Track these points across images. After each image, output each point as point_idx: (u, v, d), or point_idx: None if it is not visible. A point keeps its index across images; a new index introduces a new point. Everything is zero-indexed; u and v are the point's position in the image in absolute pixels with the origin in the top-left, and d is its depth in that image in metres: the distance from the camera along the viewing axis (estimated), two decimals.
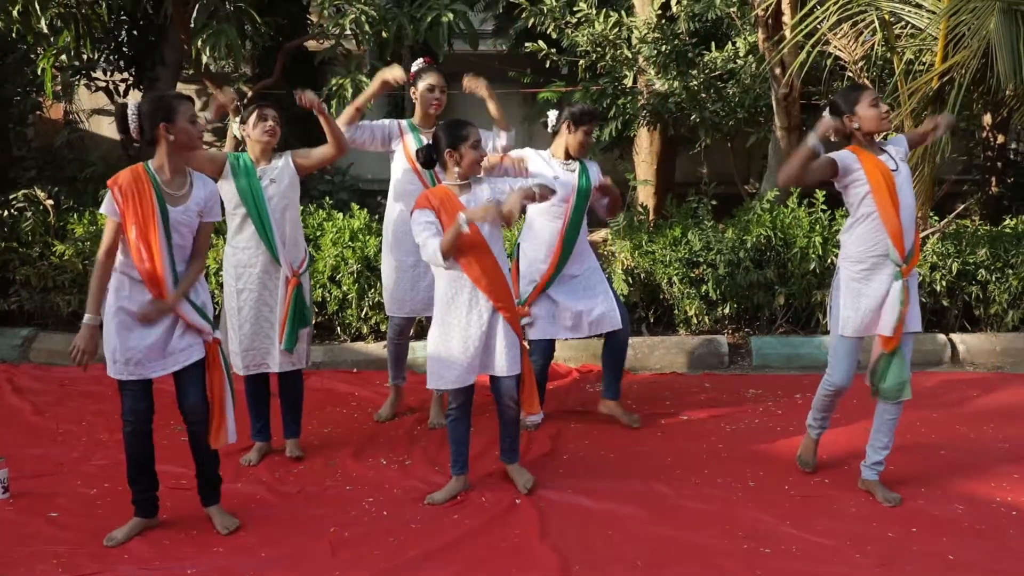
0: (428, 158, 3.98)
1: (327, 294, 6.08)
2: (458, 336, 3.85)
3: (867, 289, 3.79)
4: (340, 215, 6.46)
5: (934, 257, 6.00)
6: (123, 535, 3.64)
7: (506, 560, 3.46)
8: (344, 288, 6.05)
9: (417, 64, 4.90)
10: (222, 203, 4.15)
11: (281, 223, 4.33)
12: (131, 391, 3.58)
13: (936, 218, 6.39)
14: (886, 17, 5.83)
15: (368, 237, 6.13)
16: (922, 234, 6.08)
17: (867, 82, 6.36)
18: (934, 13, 5.68)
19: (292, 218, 4.40)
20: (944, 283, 5.96)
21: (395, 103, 11.07)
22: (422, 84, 4.78)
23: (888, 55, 6.20)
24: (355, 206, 6.59)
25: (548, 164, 4.62)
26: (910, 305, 3.80)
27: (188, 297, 3.58)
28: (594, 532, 3.67)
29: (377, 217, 6.83)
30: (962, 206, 7.62)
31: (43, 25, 6.76)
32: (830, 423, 4.15)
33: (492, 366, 3.90)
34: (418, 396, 5.28)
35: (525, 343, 4.08)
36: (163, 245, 3.49)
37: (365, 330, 6.14)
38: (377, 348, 6.04)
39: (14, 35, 7.06)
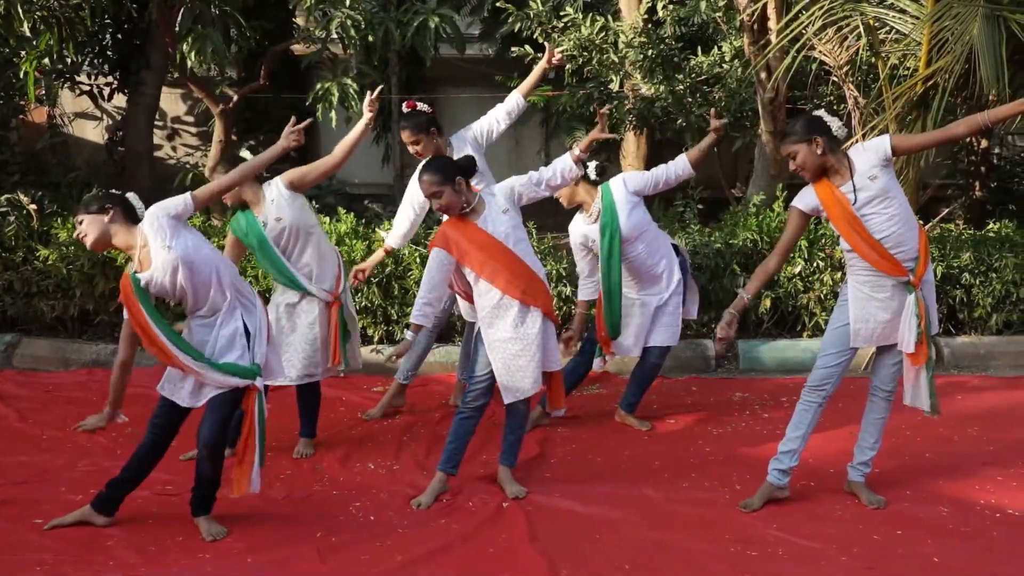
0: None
1: None
2: (520, 346, 3.90)
3: (875, 300, 3.70)
4: (327, 219, 6.44)
5: None
6: (71, 520, 3.74)
7: (494, 564, 3.45)
8: None
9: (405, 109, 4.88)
10: None
11: (299, 259, 4.38)
12: (160, 402, 3.69)
13: (920, 222, 6.42)
14: (871, 22, 5.87)
15: (355, 241, 6.11)
16: None
17: (852, 87, 6.40)
18: (918, 18, 5.72)
19: (315, 245, 4.42)
20: None
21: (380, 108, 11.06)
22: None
23: (873, 60, 6.24)
24: (342, 210, 6.57)
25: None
26: (929, 312, 3.73)
27: (213, 360, 3.56)
28: (582, 536, 3.67)
29: (364, 221, 6.82)
30: (946, 210, 7.69)
31: (25, 28, 6.72)
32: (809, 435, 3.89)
33: (548, 364, 4.00)
34: (407, 401, 5.27)
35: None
36: (150, 318, 3.51)
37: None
38: (364, 352, 6.00)
39: None
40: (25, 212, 6.46)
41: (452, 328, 5.89)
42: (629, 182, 4.65)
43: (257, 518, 3.87)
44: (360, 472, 4.37)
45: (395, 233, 4.91)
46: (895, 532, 3.65)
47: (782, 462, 3.87)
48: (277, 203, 4.32)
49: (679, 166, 4.61)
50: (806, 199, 3.74)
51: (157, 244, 3.48)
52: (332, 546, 3.61)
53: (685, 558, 3.48)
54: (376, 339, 6.09)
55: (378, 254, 5.00)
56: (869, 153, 3.64)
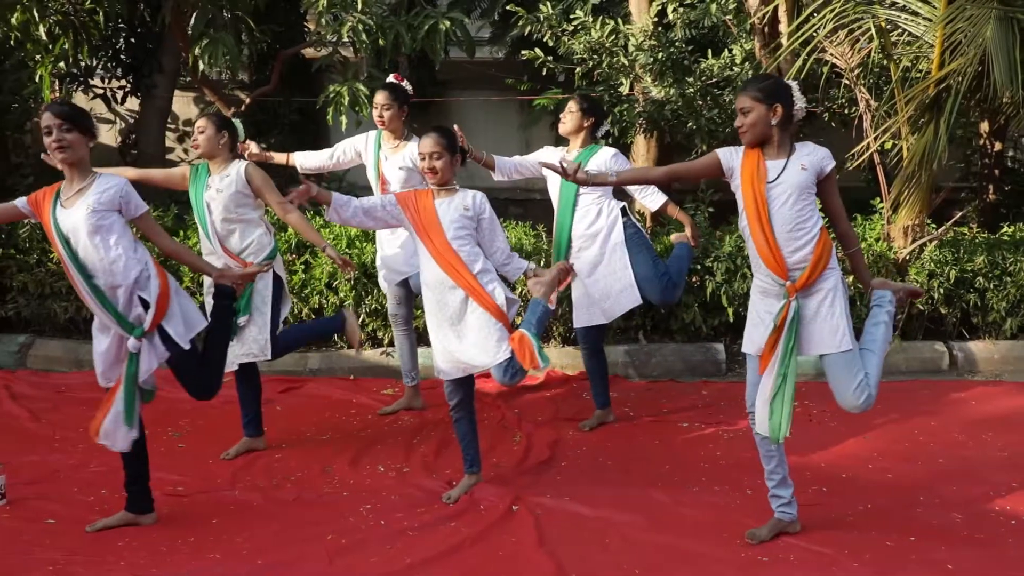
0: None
1: (324, 301, 6.07)
2: (434, 324, 3.99)
3: (762, 303, 3.53)
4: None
5: (932, 264, 6.01)
6: (115, 523, 3.77)
7: (503, 568, 3.45)
8: (341, 295, 6.04)
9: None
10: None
11: (226, 236, 4.39)
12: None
13: (934, 225, 6.39)
14: (882, 24, 5.84)
15: (365, 244, 6.12)
16: (919, 241, 6.08)
17: (864, 90, 6.38)
18: (930, 21, 5.69)
19: (240, 233, 4.40)
20: (942, 291, 5.96)
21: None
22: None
23: (885, 63, 6.20)
24: None
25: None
26: (813, 324, 3.43)
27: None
28: (591, 540, 3.66)
29: None
30: (960, 213, 7.63)
31: (42, 32, 6.76)
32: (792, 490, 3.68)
33: (472, 361, 3.89)
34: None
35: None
36: (63, 251, 3.62)
37: (362, 337, 6.13)
38: (374, 355, 6.03)
39: (12, 42, 7.07)
40: None
41: None
42: (616, 160, 4.75)
43: (267, 519, 3.88)
44: (370, 474, 4.37)
45: (307, 154, 5.20)
46: (908, 538, 3.62)
47: (781, 496, 3.64)
48: (230, 180, 4.38)
49: (644, 196, 4.93)
50: (731, 156, 3.55)
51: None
52: (341, 548, 3.61)
53: (695, 563, 3.47)
54: (386, 342, 6.09)
55: (280, 156, 5.19)
56: (816, 154, 3.45)
